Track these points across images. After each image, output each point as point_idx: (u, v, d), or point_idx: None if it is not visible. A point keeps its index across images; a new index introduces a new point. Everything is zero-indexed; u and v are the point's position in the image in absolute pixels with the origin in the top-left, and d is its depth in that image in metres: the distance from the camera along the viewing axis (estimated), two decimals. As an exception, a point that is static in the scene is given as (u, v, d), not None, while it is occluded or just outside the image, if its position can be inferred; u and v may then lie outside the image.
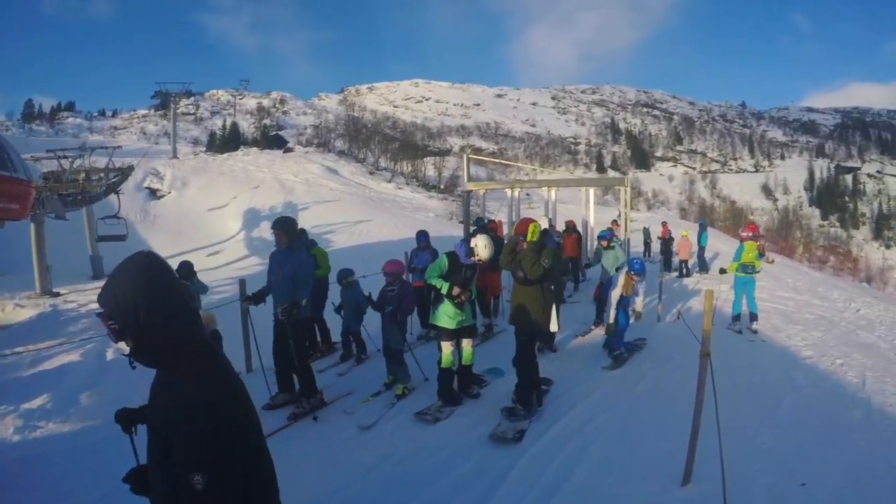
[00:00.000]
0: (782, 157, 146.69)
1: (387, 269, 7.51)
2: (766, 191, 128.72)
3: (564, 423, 6.14)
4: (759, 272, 10.79)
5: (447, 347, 6.54)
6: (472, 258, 6.51)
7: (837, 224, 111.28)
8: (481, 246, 6.48)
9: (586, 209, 16.13)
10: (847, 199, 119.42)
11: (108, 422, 5.56)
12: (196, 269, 8.99)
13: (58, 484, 5.14)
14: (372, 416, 6.47)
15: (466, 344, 6.81)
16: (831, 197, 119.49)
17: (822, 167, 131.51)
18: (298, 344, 6.54)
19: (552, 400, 6.87)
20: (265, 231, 27.80)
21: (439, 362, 6.60)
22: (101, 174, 25.84)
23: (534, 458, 5.32)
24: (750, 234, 11.43)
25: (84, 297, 13.16)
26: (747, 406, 6.47)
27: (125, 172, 27.04)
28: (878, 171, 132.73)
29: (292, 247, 6.55)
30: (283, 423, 6.24)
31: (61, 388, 8.11)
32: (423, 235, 10.35)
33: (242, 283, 8.46)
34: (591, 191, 16.41)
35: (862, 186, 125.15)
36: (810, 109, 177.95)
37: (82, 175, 24.22)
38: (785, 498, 4.75)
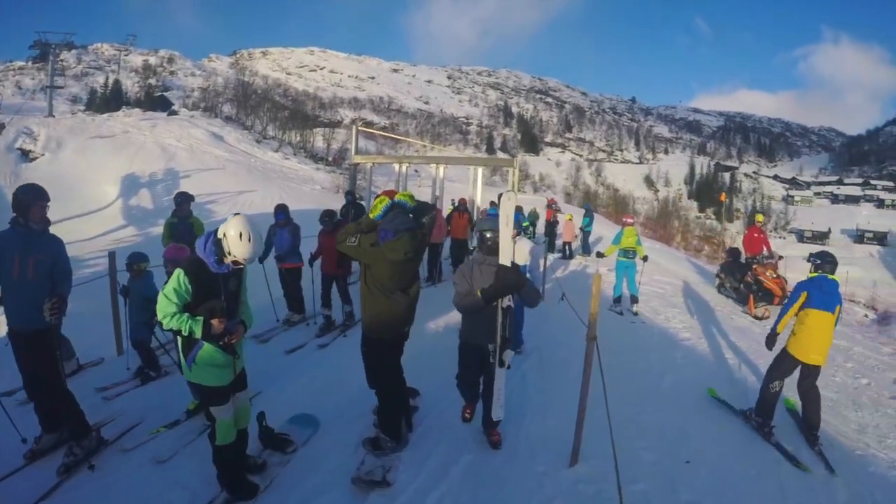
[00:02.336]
0: (666, 152, 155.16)
1: (168, 255, 6.08)
2: (649, 182, 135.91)
3: (441, 414, 5.63)
4: (641, 258, 11.05)
5: (222, 414, 4.19)
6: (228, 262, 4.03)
7: (713, 217, 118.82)
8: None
9: (474, 188, 16.06)
10: (723, 195, 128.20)
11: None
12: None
13: None
14: (167, 450, 5.01)
15: (243, 398, 4.46)
16: (709, 192, 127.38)
17: (702, 164, 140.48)
18: (45, 362, 4.72)
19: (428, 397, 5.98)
20: (144, 199, 26.28)
21: (212, 437, 4.25)
22: None
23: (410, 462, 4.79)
24: (631, 220, 11.73)
25: None
26: (630, 385, 6.50)
27: None
28: (754, 172, 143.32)
29: (46, 227, 4.81)
30: (53, 481, 4.49)
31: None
32: (281, 212, 9.08)
33: (112, 255, 7.83)
34: (480, 170, 16.31)
35: (738, 184, 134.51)
36: (696, 110, 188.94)
37: None
38: (671, 475, 4.81)
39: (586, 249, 19.44)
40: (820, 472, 5.11)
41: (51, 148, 37.56)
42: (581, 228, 20.03)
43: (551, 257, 16.53)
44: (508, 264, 4.68)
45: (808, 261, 5.98)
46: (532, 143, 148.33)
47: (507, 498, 4.38)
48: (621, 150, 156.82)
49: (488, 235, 4.98)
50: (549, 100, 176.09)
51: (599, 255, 11.84)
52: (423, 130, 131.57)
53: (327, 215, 8.93)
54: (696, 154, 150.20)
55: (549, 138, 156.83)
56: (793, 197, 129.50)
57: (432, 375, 6.08)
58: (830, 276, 5.75)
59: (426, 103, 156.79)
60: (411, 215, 4.81)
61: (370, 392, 5.13)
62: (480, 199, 16.12)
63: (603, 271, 9.27)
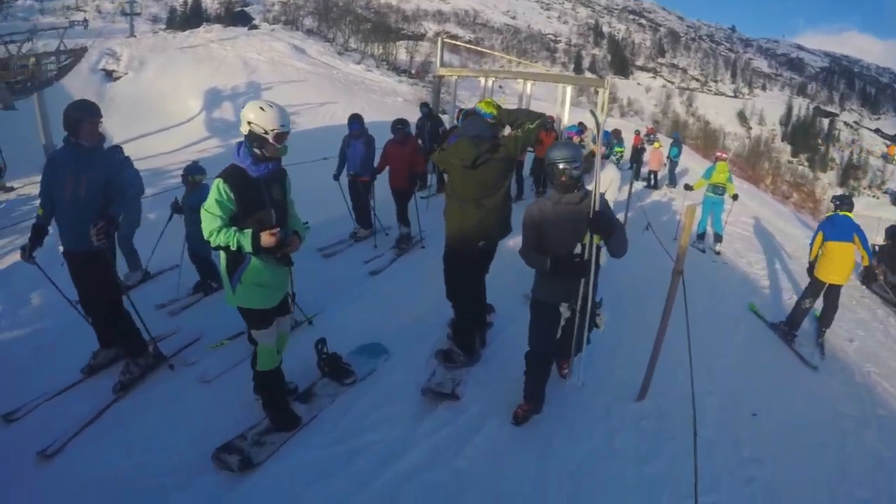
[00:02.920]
0: (763, 88, 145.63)
1: None
2: (742, 118, 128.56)
3: (516, 333, 5.18)
4: (731, 195, 10.62)
5: (266, 338, 4.01)
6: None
7: (806, 164, 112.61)
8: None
9: (561, 108, 15.55)
10: (820, 141, 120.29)
11: (61, 320, 5.10)
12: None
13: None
14: (218, 367, 5.07)
15: (284, 323, 4.27)
16: (805, 137, 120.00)
17: (801, 105, 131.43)
18: (99, 283, 4.66)
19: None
20: (227, 111, 26.53)
21: (253, 363, 4.12)
22: (53, 57, 24.10)
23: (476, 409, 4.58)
24: (724, 155, 11.25)
25: (38, 189, 12.32)
26: (705, 328, 6.23)
27: (77, 54, 25.33)
28: (855, 122, 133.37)
29: (100, 145, 4.67)
30: (110, 398, 4.57)
31: (9, 289, 7.41)
32: (355, 122, 8.55)
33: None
34: (568, 89, 15.68)
35: (837, 133, 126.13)
36: (800, 47, 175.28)
37: (31, 60, 22.57)
38: (735, 424, 4.73)
39: (672, 180, 18.72)
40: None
41: (133, 67, 38.05)
42: (668, 157, 19.23)
43: (637, 185, 15.85)
44: (597, 206, 3.68)
45: (831, 202, 7.39)
46: (622, 65, 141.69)
47: (572, 423, 4.41)
48: (716, 82, 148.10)
49: (562, 167, 3.79)
50: (643, 21, 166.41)
51: (688, 187, 11.41)
52: (510, 46, 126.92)
53: (399, 123, 8.34)
54: (795, 94, 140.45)
55: (640, 62, 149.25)
56: (893, 156, 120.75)
57: (509, 293, 6.14)
58: (842, 213, 7.00)
59: (513, 18, 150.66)
60: (492, 122, 4.72)
61: (446, 303, 5.19)
62: (567, 118, 15.65)
63: (689, 205, 8.93)
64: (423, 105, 12.86)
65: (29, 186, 12.34)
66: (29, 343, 5.51)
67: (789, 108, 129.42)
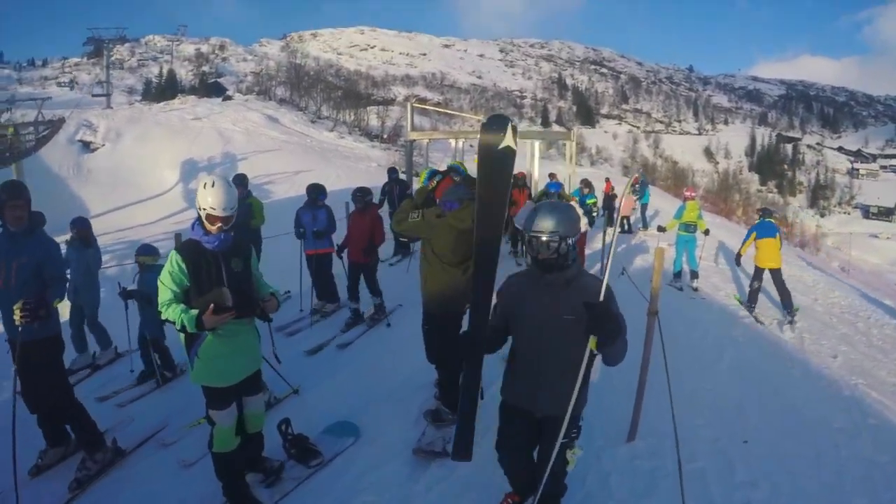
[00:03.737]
0: (726, 123, 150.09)
1: None
2: (708, 154, 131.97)
3: (495, 395, 5.41)
4: (702, 231, 10.94)
5: (221, 420, 3.79)
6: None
7: (775, 190, 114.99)
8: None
9: (531, 163, 15.95)
10: (786, 167, 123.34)
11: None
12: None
13: None
14: (198, 450, 4.76)
15: (254, 403, 4.10)
16: (771, 164, 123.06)
17: (763, 135, 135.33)
18: (45, 374, 4.34)
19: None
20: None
21: (210, 443, 3.88)
22: (31, 128, 24.59)
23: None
24: (693, 194, 11.55)
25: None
26: (689, 361, 6.40)
27: (56, 125, 25.97)
28: (817, 144, 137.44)
29: (32, 228, 4.33)
30: (64, 497, 4.33)
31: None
32: (320, 192, 8.60)
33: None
34: (537, 144, 16.24)
35: (801, 156, 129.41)
36: (756, 79, 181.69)
37: (10, 130, 22.96)
38: (728, 452, 4.78)
39: (645, 223, 19.09)
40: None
41: (110, 138, 38.81)
42: (637, 201, 19.61)
43: (610, 232, 15.93)
44: (600, 296, 2.83)
45: (757, 212, 11.10)
46: (588, 115, 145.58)
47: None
48: (679, 122, 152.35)
49: (545, 239, 3.04)
50: (604, 70, 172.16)
51: (661, 229, 11.67)
52: (477, 105, 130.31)
53: (360, 192, 8.02)
54: (756, 125, 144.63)
55: (605, 110, 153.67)
56: (858, 170, 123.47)
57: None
58: (767, 220, 10.11)
59: (479, 77, 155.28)
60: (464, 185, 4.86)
61: (422, 372, 5.32)
62: (538, 172, 16.03)
63: (663, 246, 9.19)
64: (391, 170, 13.04)
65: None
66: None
67: (752, 139, 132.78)
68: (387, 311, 8.46)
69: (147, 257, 6.77)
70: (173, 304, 3.50)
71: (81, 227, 7.39)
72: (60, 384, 4.50)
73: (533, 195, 12.91)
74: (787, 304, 9.24)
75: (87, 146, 37.50)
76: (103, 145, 37.90)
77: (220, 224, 3.59)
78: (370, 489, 4.25)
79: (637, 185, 23.62)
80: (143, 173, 31.96)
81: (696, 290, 10.50)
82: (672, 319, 7.70)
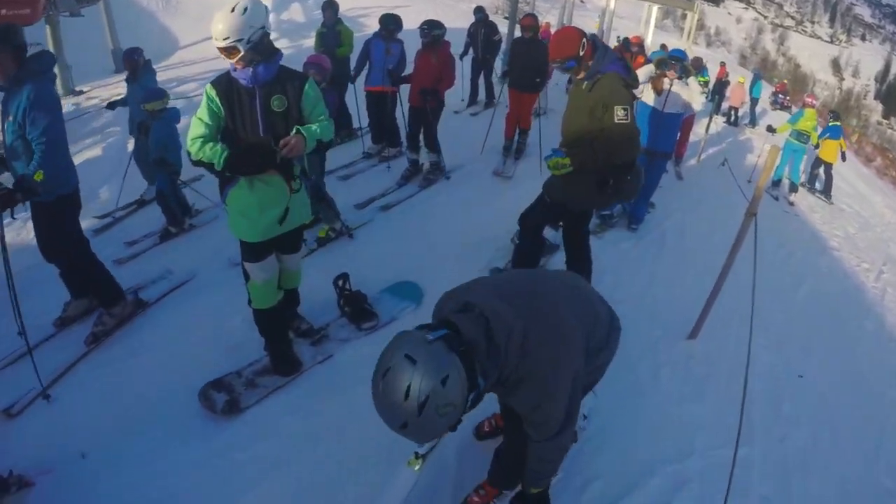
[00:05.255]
0: (863, 39, 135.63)
1: (308, 59, 5.59)
2: (836, 66, 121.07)
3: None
4: (813, 145, 10.64)
5: (255, 273, 3.53)
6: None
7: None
8: None
9: (645, 28, 14.66)
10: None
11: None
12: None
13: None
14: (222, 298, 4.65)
15: (290, 261, 3.78)
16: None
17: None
18: (54, 231, 4.04)
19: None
20: (295, 13, 25.36)
21: (249, 300, 3.75)
22: None
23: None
24: (813, 101, 11.15)
25: (106, 91, 12.32)
26: (768, 279, 5.92)
27: None
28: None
29: (21, 78, 3.56)
30: (81, 350, 4.17)
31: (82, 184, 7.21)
32: (397, 24, 7.49)
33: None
34: (655, 9, 14.82)
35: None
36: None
37: None
38: (780, 382, 4.61)
39: (753, 120, 17.73)
40: None
41: None
42: (750, 96, 18.12)
43: (718, 121, 14.64)
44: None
45: (829, 113, 12.32)
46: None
47: (621, 348, 4.29)
48: (812, 23, 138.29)
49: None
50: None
51: (770, 129, 10.82)
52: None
53: (427, 25, 6.89)
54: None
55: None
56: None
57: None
58: (835, 123, 11.35)
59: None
60: None
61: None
62: (651, 40, 14.79)
63: (766, 148, 8.49)
64: (478, 9, 10.77)
65: (98, 90, 12.77)
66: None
67: (887, 65, 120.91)
68: (445, 170, 7.56)
69: (155, 103, 5.83)
70: (204, 139, 3.12)
71: (129, 59, 6.79)
72: (70, 240, 4.16)
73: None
74: (827, 190, 11.40)
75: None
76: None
77: (226, 56, 3.06)
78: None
79: (781, 95, 21.43)
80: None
81: (792, 204, 9.97)
82: (761, 227, 7.24)
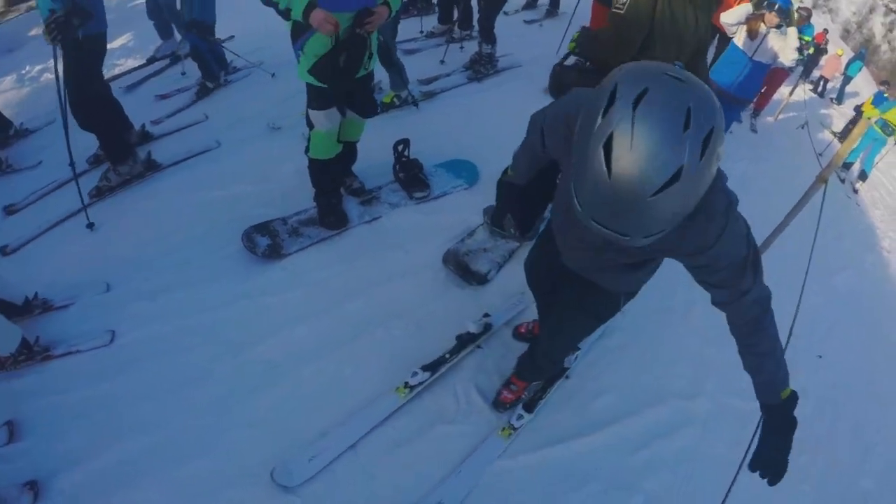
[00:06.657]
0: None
1: None
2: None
3: None
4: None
5: (321, 122, 3.43)
6: None
7: None
8: None
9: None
10: None
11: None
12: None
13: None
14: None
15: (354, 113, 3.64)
16: None
17: None
18: (79, 74, 3.82)
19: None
20: None
21: (306, 149, 3.64)
22: None
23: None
24: None
25: None
26: (815, 259, 5.93)
27: None
28: None
29: None
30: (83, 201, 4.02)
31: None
32: None
33: None
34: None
35: None
36: None
37: None
38: (797, 358, 4.51)
39: (840, 97, 16.84)
40: None
41: None
42: (845, 72, 17.26)
43: (806, 88, 13.55)
44: None
45: (879, 85, 13.02)
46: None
47: (656, 278, 4.29)
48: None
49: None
50: None
51: (857, 109, 10.55)
52: None
53: None
54: None
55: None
56: None
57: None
58: (884, 94, 11.66)
59: None
60: None
61: None
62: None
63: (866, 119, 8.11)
64: None
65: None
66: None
67: None
68: (496, 64, 6.80)
69: None
70: None
71: None
72: (103, 83, 4.15)
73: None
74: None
75: None
76: None
77: None
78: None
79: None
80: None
81: (856, 191, 9.63)
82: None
